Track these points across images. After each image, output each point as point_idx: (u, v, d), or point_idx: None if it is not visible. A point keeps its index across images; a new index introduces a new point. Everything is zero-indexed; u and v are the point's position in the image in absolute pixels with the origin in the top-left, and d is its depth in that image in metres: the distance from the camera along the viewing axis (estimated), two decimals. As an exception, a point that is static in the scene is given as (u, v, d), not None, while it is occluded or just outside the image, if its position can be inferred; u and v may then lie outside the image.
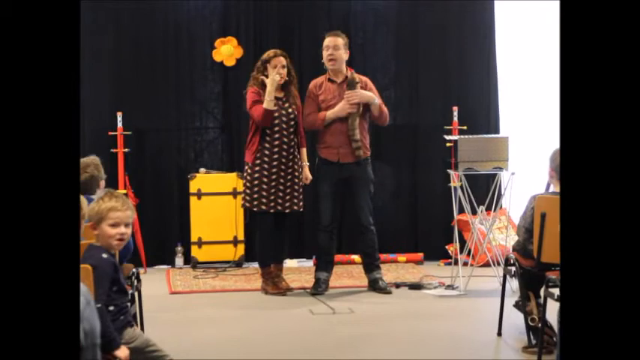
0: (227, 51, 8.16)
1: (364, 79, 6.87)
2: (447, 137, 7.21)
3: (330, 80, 6.81)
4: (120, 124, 7.88)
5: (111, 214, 3.81)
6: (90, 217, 3.83)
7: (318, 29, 8.19)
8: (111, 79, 8.09)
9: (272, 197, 6.70)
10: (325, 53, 6.76)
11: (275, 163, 6.69)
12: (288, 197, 6.75)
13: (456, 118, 8.04)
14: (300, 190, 6.83)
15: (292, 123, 6.74)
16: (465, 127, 7.95)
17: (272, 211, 6.72)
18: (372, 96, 6.72)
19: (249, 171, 6.75)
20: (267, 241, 6.82)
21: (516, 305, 5.29)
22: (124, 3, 8.09)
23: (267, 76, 6.66)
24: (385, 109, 6.81)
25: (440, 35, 8.41)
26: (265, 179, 6.68)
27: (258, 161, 6.69)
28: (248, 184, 6.75)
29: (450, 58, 8.41)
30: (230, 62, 8.19)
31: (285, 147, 6.72)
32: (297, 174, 6.80)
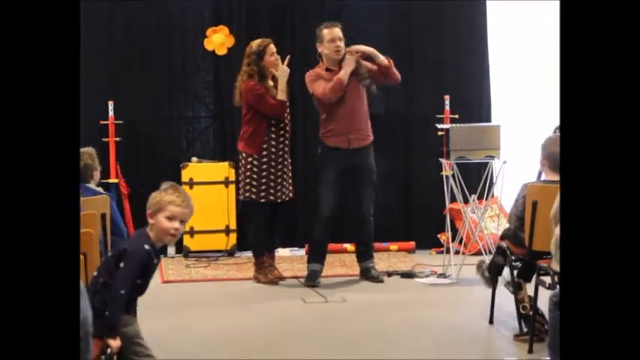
0: (218, 40, 8.13)
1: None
2: (439, 126, 7.20)
3: (327, 70, 6.75)
4: (111, 114, 7.86)
5: (170, 207, 3.81)
6: (149, 205, 3.85)
7: (310, 18, 8.18)
8: (102, 67, 8.06)
9: (278, 187, 6.76)
10: (331, 45, 6.67)
11: (280, 152, 6.75)
12: (286, 184, 6.83)
13: (447, 107, 8.04)
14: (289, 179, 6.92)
15: (288, 110, 6.81)
16: (456, 116, 7.95)
17: (279, 201, 6.78)
18: (374, 50, 6.71)
19: (255, 163, 6.70)
20: (263, 230, 6.85)
21: (507, 286, 5.29)
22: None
23: (264, 67, 6.67)
24: (392, 63, 6.73)
25: (432, 24, 8.40)
26: (272, 169, 6.72)
27: (265, 152, 6.70)
28: (255, 176, 6.71)
29: (443, 46, 8.41)
30: (221, 51, 8.16)
31: (287, 135, 6.81)
32: (290, 160, 6.88)
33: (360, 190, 6.75)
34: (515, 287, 5.05)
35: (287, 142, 6.80)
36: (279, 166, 6.75)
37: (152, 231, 3.83)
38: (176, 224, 3.82)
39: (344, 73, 6.61)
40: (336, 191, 6.70)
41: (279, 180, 6.75)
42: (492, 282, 5.36)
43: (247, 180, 6.74)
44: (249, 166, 6.73)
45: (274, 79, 6.78)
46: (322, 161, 6.77)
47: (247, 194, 6.76)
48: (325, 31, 6.72)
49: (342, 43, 6.70)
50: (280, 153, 6.75)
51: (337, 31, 6.70)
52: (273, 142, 6.72)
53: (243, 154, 6.77)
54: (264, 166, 6.70)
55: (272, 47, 6.74)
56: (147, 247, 3.77)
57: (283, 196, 6.79)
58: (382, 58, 6.68)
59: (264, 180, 6.70)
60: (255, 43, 6.78)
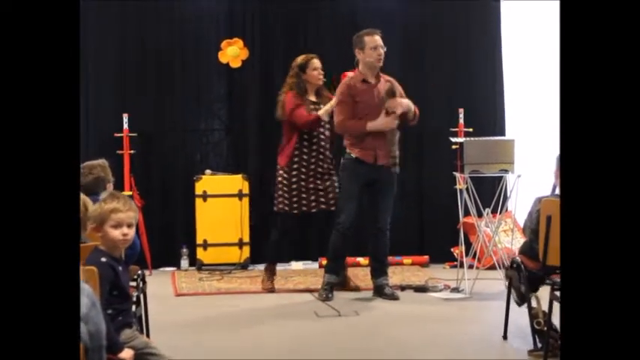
0: (233, 52, 8.16)
1: (391, 79, 6.71)
2: (453, 139, 7.19)
3: (364, 81, 6.61)
4: (126, 126, 7.88)
5: (113, 215, 3.79)
6: (93, 219, 3.82)
7: (323, 31, 8.21)
8: (117, 80, 8.11)
9: (312, 197, 6.85)
10: (374, 53, 6.55)
11: (312, 166, 6.83)
12: (321, 196, 6.88)
13: (462, 121, 8.03)
14: (336, 189, 6.91)
15: (328, 126, 6.85)
16: (470, 130, 7.94)
17: (313, 210, 6.89)
18: (410, 103, 6.60)
19: (284, 175, 6.84)
20: (284, 239, 7.10)
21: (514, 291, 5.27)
22: (130, 4, 8.11)
23: (306, 80, 6.79)
24: (417, 112, 6.69)
25: (446, 37, 8.42)
26: (303, 182, 6.82)
27: (295, 165, 6.81)
28: (285, 188, 6.85)
29: (457, 60, 8.41)
30: (236, 64, 8.19)
31: (322, 150, 6.86)
32: (332, 172, 6.91)
33: (379, 203, 6.67)
34: (528, 300, 5.02)
35: (322, 156, 6.84)
36: (311, 179, 6.82)
37: (103, 245, 3.81)
38: (124, 230, 3.80)
39: (370, 127, 6.51)
40: (359, 202, 6.64)
41: (311, 192, 6.82)
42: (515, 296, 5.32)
43: (279, 192, 6.90)
44: (279, 178, 6.88)
45: (319, 94, 6.87)
46: (346, 171, 6.66)
47: (280, 206, 6.90)
48: (367, 39, 6.59)
49: (383, 51, 6.61)
50: (312, 167, 6.82)
51: (379, 39, 6.60)
52: (305, 156, 6.80)
53: (277, 166, 6.92)
54: (294, 179, 6.81)
55: (315, 62, 6.82)
56: (104, 259, 3.74)
57: (320, 206, 6.86)
58: (412, 113, 6.61)
59: (294, 192, 6.82)
60: (300, 57, 6.88)
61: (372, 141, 6.57)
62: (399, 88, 6.69)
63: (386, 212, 6.70)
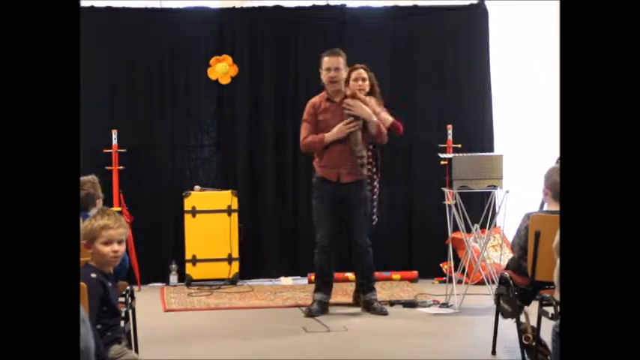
0: (222, 69, 8.18)
1: (365, 99, 6.67)
2: (442, 155, 7.22)
3: (328, 100, 6.68)
4: (115, 142, 7.88)
5: (103, 232, 3.80)
6: (84, 235, 3.83)
7: (313, 47, 8.23)
8: (106, 96, 8.10)
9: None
10: (327, 75, 6.60)
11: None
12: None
13: (450, 137, 8.05)
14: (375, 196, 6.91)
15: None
16: (459, 145, 7.96)
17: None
18: (370, 113, 6.56)
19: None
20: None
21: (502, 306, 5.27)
22: (119, 20, 8.12)
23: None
24: (384, 129, 6.62)
25: (434, 54, 8.44)
26: None
27: None
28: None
29: (445, 76, 8.45)
30: (225, 80, 8.21)
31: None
32: (373, 185, 6.91)
33: (351, 222, 6.69)
34: (517, 313, 5.04)
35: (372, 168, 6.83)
36: None
37: (93, 261, 3.82)
38: (115, 246, 3.82)
39: (328, 137, 6.55)
40: (332, 220, 6.65)
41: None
42: (500, 312, 5.34)
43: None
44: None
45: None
46: (315, 190, 6.73)
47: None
48: (325, 59, 6.64)
49: (338, 74, 6.59)
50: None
51: (336, 61, 6.60)
52: None
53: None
54: None
55: (358, 73, 6.74)
56: (94, 275, 3.76)
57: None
58: (373, 124, 6.54)
59: None
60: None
61: (335, 159, 6.59)
62: (371, 103, 6.66)
63: (360, 228, 6.69)
